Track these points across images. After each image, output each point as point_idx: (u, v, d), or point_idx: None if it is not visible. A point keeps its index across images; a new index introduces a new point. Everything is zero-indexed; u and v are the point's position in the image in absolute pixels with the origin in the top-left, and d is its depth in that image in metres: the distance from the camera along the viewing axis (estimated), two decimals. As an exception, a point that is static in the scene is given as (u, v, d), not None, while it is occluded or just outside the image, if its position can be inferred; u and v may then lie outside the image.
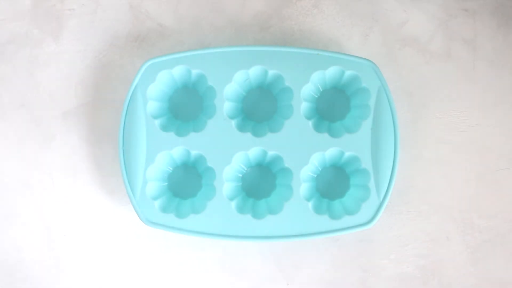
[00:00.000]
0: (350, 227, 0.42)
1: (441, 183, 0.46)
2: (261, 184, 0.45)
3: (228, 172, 0.43)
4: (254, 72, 0.44)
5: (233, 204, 0.43)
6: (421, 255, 0.46)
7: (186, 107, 0.45)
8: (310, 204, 0.43)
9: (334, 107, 0.45)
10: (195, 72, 0.44)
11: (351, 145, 0.43)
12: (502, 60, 0.47)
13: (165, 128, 0.44)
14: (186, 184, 0.45)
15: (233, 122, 0.43)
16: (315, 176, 0.45)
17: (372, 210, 0.42)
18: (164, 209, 0.43)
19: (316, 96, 0.45)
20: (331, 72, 0.43)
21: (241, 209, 0.43)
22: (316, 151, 0.43)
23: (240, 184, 0.45)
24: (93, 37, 0.47)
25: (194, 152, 0.43)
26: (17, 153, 0.47)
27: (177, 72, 0.44)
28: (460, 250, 0.46)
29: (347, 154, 0.43)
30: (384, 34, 0.47)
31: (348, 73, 0.43)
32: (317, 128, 0.43)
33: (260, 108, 0.45)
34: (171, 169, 0.45)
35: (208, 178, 0.44)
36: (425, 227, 0.46)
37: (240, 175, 0.45)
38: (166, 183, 0.45)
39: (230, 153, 0.43)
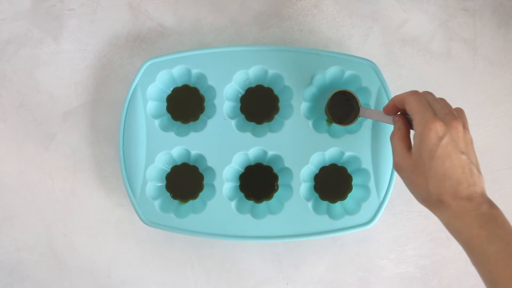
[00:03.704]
0: (350, 227, 0.42)
1: (441, 183, 0.46)
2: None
3: (228, 172, 0.43)
4: (254, 72, 0.44)
5: (233, 204, 0.43)
6: (421, 255, 0.46)
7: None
8: (310, 204, 0.43)
9: (334, 107, 0.45)
10: (195, 72, 0.44)
11: (351, 145, 0.43)
12: (502, 60, 0.47)
13: (165, 128, 0.44)
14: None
15: (233, 122, 0.43)
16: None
17: (372, 210, 0.42)
18: (164, 209, 0.43)
19: (316, 96, 0.45)
20: (331, 72, 0.43)
21: (241, 209, 0.43)
22: (316, 151, 0.43)
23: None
24: (93, 37, 0.47)
25: (194, 152, 0.43)
26: (17, 153, 0.47)
27: (177, 72, 0.44)
28: (460, 250, 0.46)
29: (347, 154, 0.43)
30: (384, 34, 0.47)
31: (348, 73, 0.43)
32: (317, 128, 0.43)
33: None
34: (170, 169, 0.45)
35: (208, 178, 0.44)
36: (425, 227, 0.46)
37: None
38: (166, 183, 0.45)
39: (230, 153, 0.43)
